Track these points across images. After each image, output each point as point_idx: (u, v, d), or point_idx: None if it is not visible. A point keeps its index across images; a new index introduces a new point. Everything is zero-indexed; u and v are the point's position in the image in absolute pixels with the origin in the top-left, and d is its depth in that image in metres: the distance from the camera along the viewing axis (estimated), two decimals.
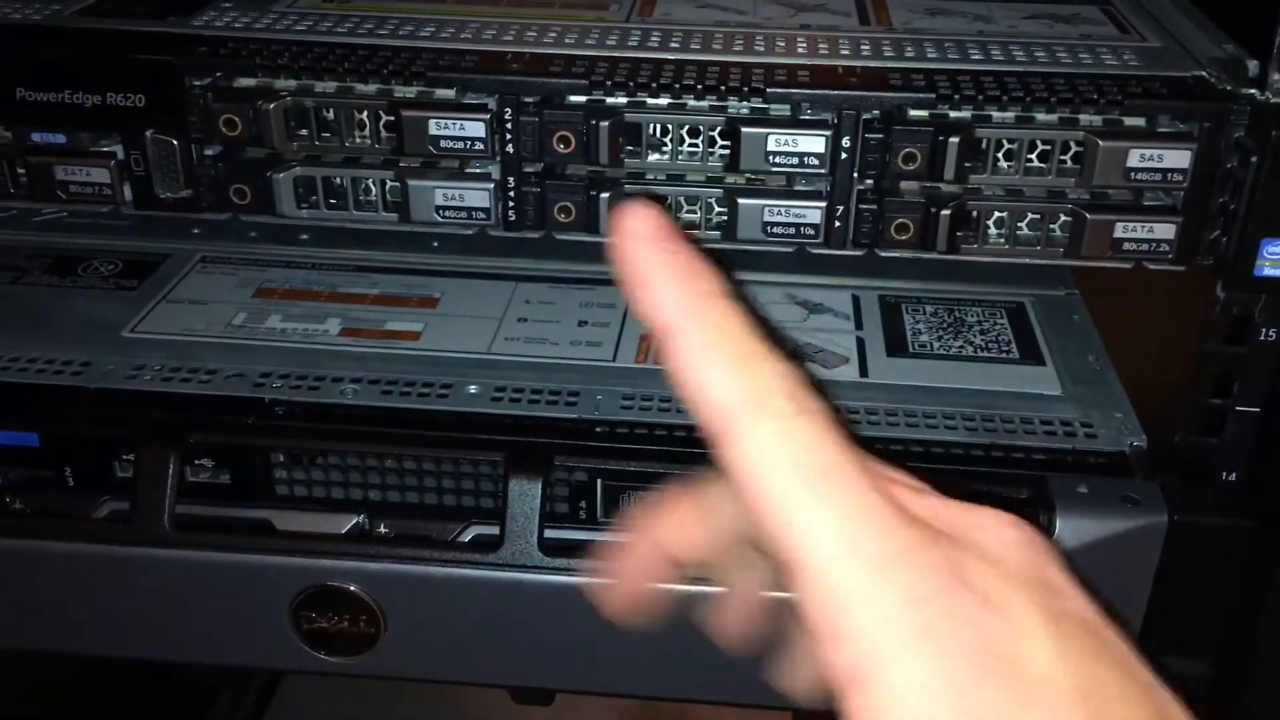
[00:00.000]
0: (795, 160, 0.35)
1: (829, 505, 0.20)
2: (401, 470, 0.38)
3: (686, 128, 0.36)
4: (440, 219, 0.37)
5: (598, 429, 0.38)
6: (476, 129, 0.35)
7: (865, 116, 0.35)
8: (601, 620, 0.36)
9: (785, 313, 0.45)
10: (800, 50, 0.38)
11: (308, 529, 0.38)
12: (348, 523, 0.38)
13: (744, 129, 0.35)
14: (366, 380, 0.40)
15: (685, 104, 0.36)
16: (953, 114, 0.35)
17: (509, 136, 0.36)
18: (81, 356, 0.41)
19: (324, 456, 0.38)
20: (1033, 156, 0.35)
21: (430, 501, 0.39)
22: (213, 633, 0.38)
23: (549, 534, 0.36)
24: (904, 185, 0.36)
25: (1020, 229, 0.36)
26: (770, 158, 0.35)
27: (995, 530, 0.22)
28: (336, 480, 0.39)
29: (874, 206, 0.36)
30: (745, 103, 0.35)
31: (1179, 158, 0.34)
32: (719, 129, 0.36)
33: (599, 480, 0.37)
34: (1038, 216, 0.36)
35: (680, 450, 0.37)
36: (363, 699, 0.78)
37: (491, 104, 0.35)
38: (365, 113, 0.36)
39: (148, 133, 0.37)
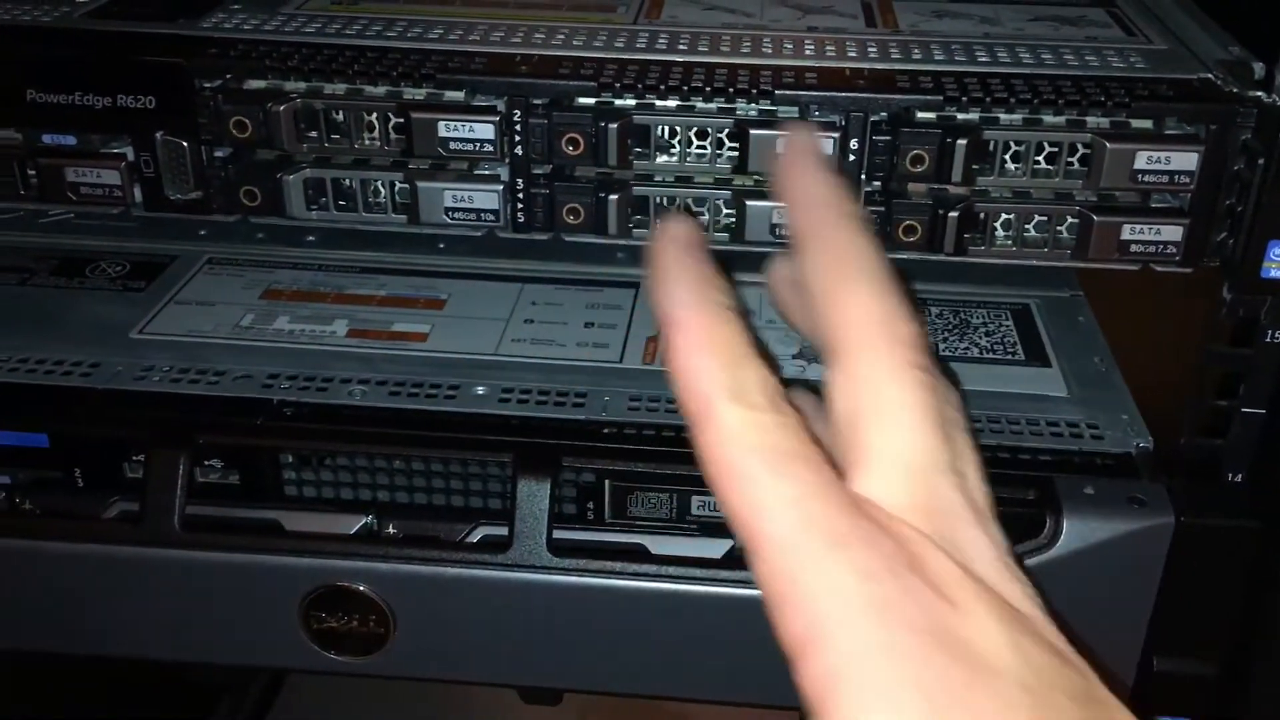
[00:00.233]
0: None
1: (789, 483, 0.21)
2: (410, 471, 0.39)
3: (695, 130, 0.36)
4: (449, 220, 0.37)
5: (605, 430, 0.38)
6: (486, 131, 0.36)
7: (873, 118, 0.35)
8: (610, 621, 0.37)
9: None
10: (808, 52, 0.38)
11: (317, 529, 0.38)
12: (357, 523, 0.38)
13: (752, 131, 0.35)
14: (374, 381, 0.40)
15: (694, 106, 0.36)
16: (960, 116, 0.35)
17: (518, 138, 0.36)
18: (90, 358, 0.42)
19: (332, 457, 0.39)
20: (1040, 159, 0.35)
21: (439, 502, 0.39)
22: (223, 633, 0.38)
23: (557, 534, 0.36)
24: (911, 187, 0.36)
25: (1027, 231, 0.36)
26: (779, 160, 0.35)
27: (972, 545, 0.22)
28: (345, 481, 0.39)
29: (882, 208, 0.36)
30: (753, 105, 0.35)
31: (1186, 160, 0.34)
32: (727, 131, 0.36)
33: (607, 481, 0.38)
34: (1045, 218, 0.36)
35: (687, 451, 0.37)
36: (368, 699, 0.78)
37: (500, 106, 0.36)
38: (375, 115, 0.36)
39: (158, 134, 0.37)
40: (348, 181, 0.37)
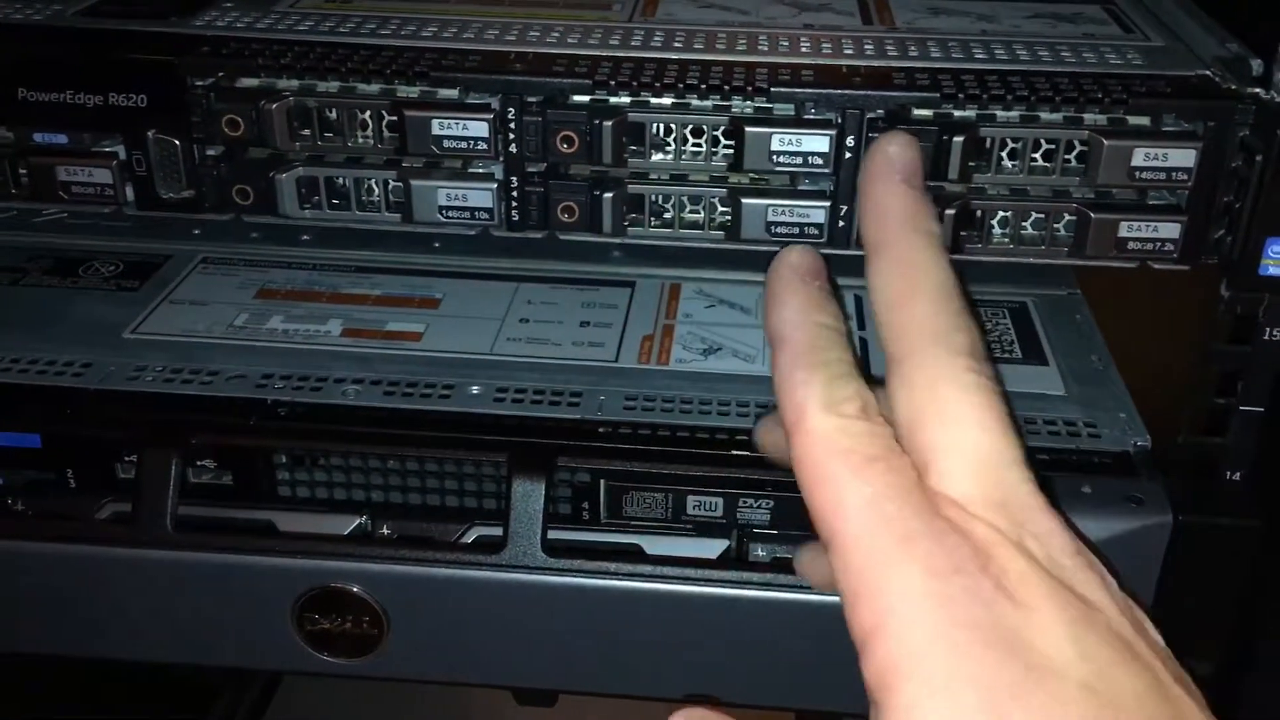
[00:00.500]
0: (799, 160, 0.35)
1: (868, 485, 0.23)
2: (404, 471, 0.38)
3: (690, 127, 0.36)
4: (443, 219, 0.37)
5: (600, 430, 0.38)
6: (480, 129, 0.35)
7: (869, 116, 0.35)
8: (605, 621, 0.36)
9: None
10: (804, 50, 0.38)
11: (310, 530, 0.37)
12: (350, 524, 0.38)
13: (748, 129, 0.35)
14: (369, 381, 0.40)
15: (689, 104, 0.36)
16: (957, 113, 0.35)
17: (512, 136, 0.36)
18: (83, 358, 0.41)
19: (326, 458, 0.38)
20: (1037, 156, 0.35)
21: (433, 503, 0.39)
22: (216, 634, 0.38)
23: (552, 535, 0.36)
24: None
25: (1025, 228, 0.36)
26: (774, 157, 0.35)
27: (1048, 536, 0.23)
28: (339, 481, 0.39)
29: None
30: (749, 102, 0.35)
31: (1184, 157, 0.34)
32: (723, 129, 0.36)
33: (602, 481, 0.37)
34: (1042, 216, 0.36)
35: (682, 451, 0.37)
36: (363, 700, 0.78)
37: (494, 104, 0.35)
38: (368, 113, 0.36)
39: (150, 133, 0.37)
40: (341, 180, 0.37)
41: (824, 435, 0.23)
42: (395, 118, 0.36)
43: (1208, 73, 0.36)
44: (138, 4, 0.41)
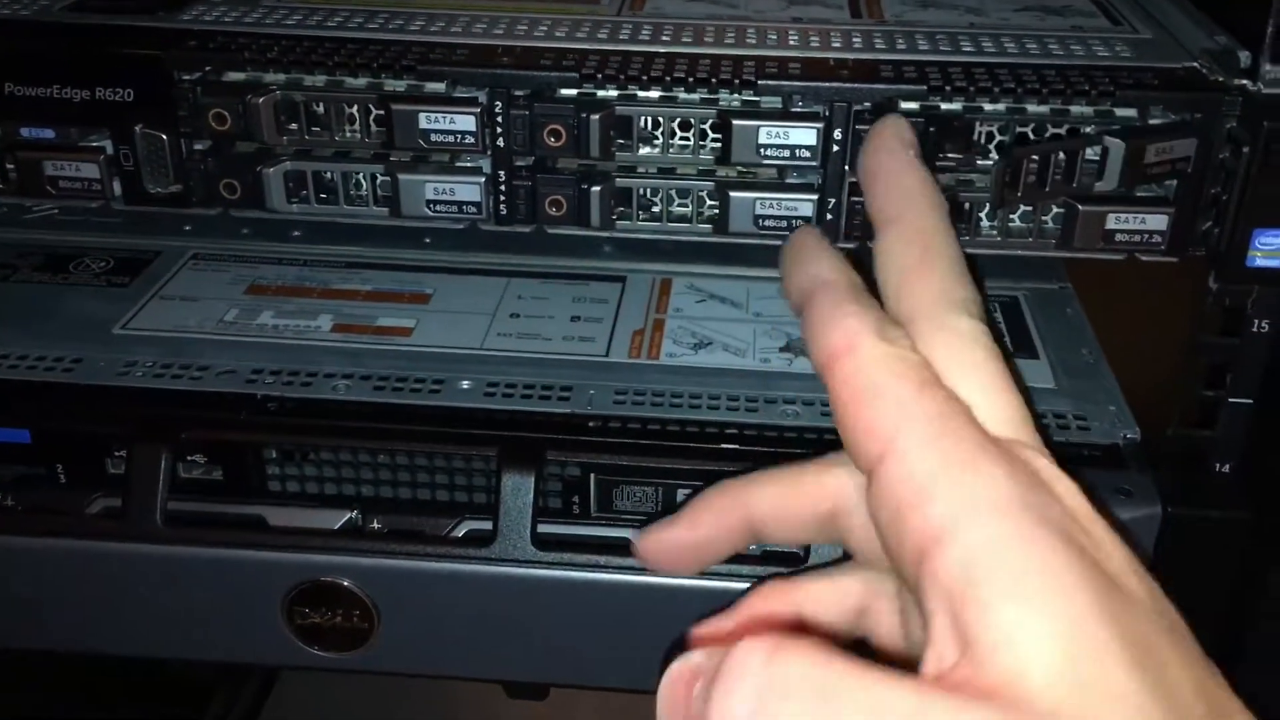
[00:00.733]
0: (787, 153, 0.35)
1: (932, 400, 0.22)
2: (394, 466, 0.38)
3: (678, 120, 0.36)
4: (431, 213, 0.37)
5: (590, 424, 0.38)
6: (467, 123, 0.35)
7: (857, 108, 0.35)
8: (595, 615, 0.36)
9: (779, 307, 0.45)
10: (791, 43, 0.38)
11: (301, 524, 0.37)
12: (341, 518, 0.38)
13: (735, 121, 0.35)
14: (359, 376, 0.40)
15: (676, 97, 0.35)
16: (944, 106, 0.35)
17: (499, 130, 0.35)
18: (73, 353, 0.41)
19: (316, 452, 0.38)
20: None
21: (423, 497, 0.39)
22: (206, 629, 0.38)
23: (542, 529, 0.36)
24: None
25: (1013, 221, 0.36)
26: (761, 150, 0.35)
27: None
28: (329, 476, 0.39)
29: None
30: (736, 95, 0.35)
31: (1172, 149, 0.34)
32: (710, 122, 0.36)
33: (592, 475, 0.37)
34: (1030, 208, 0.36)
35: (671, 445, 0.37)
36: (357, 694, 0.78)
37: (482, 97, 0.35)
38: (355, 107, 0.36)
39: (137, 127, 0.37)
40: (328, 174, 0.37)
41: (881, 358, 0.23)
42: (382, 111, 0.36)
43: (1196, 65, 0.36)
44: None
